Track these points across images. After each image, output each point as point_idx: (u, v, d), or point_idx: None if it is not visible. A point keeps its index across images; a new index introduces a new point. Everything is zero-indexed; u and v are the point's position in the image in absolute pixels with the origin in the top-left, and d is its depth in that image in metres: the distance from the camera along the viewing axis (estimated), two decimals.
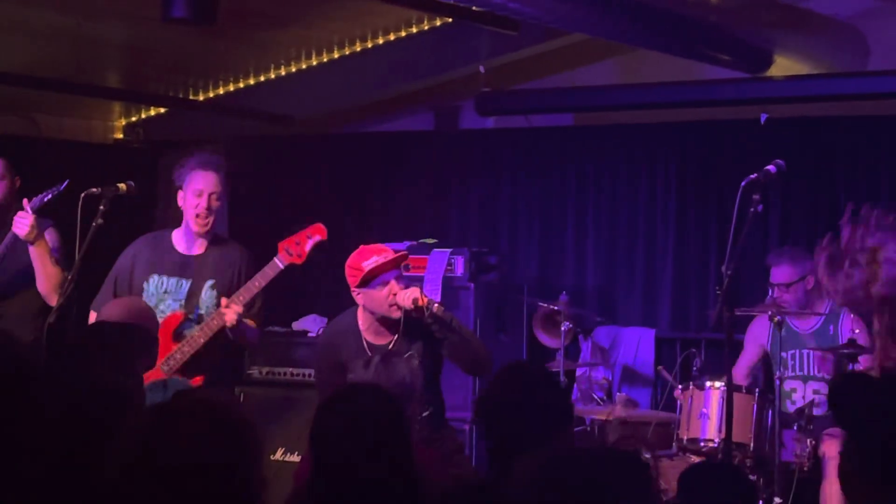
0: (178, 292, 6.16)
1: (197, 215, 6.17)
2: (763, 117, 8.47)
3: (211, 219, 6.19)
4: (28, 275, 6.56)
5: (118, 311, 5.41)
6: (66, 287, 5.88)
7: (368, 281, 5.89)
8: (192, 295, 6.16)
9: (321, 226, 6.12)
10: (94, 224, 5.89)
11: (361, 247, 6.06)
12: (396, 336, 5.94)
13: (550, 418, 3.97)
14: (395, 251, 6.10)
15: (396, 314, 5.88)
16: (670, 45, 8.10)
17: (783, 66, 8.56)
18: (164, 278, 6.21)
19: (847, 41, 8.35)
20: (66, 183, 6.10)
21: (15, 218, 6.35)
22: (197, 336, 6.04)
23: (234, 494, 2.52)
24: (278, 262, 6.06)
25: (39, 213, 6.36)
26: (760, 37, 8.41)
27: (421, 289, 5.95)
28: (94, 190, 6.01)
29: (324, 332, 6.38)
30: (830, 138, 8.65)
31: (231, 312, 5.97)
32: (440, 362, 6.07)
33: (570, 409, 4.24)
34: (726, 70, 8.48)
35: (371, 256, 5.93)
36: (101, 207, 5.94)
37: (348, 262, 6.01)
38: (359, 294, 5.97)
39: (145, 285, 6.20)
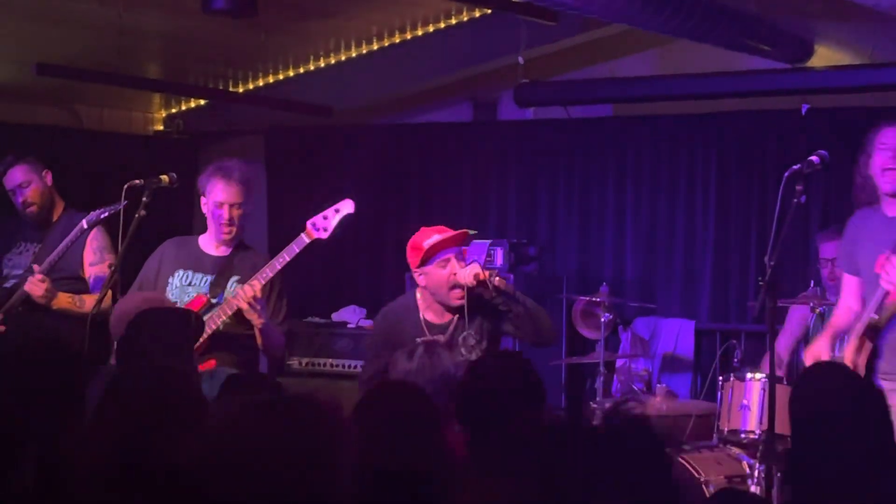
0: (203, 286, 6.16)
1: (220, 225, 6.19)
2: (804, 108, 8.43)
3: (234, 228, 6.19)
4: (78, 281, 6.69)
5: (134, 305, 5.38)
6: (109, 278, 5.93)
7: (429, 259, 5.83)
8: (216, 286, 6.14)
9: (349, 200, 6.04)
10: (136, 215, 5.93)
11: (422, 228, 6.01)
12: (456, 316, 5.87)
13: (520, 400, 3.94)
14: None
15: (457, 302, 5.80)
16: (710, 35, 8.06)
17: (824, 56, 8.51)
18: (190, 273, 6.20)
19: (888, 31, 8.29)
20: (124, 203, 6.18)
21: (29, 279, 6.53)
22: (215, 316, 6.02)
23: (322, 486, 2.50)
24: (304, 238, 5.96)
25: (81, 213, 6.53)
26: (801, 27, 8.37)
27: (480, 264, 5.92)
28: (137, 182, 6.05)
29: (383, 309, 6.31)
30: (871, 128, 8.59)
31: (248, 289, 5.92)
32: (499, 342, 6.01)
33: (538, 390, 4.20)
34: (767, 60, 8.44)
35: (432, 235, 5.88)
36: (144, 199, 5.98)
37: (409, 243, 5.95)
38: (420, 275, 5.89)
39: (170, 279, 6.18)
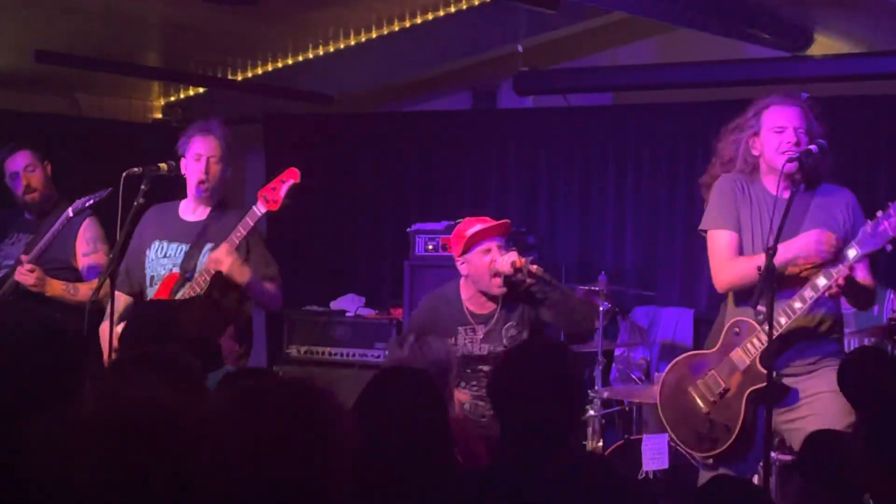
0: (177, 256, 6.12)
1: (198, 181, 6.15)
2: (803, 96, 8.41)
3: (210, 184, 6.13)
4: (70, 271, 6.69)
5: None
6: (108, 267, 5.91)
7: (470, 247, 5.94)
8: (190, 257, 6.06)
9: (295, 169, 5.89)
10: (135, 203, 5.90)
11: (467, 218, 6.16)
12: (498, 306, 5.97)
13: (563, 400, 3.88)
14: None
15: (497, 290, 5.91)
16: (710, 23, 8.06)
17: (823, 44, 8.50)
18: (165, 243, 6.17)
19: (887, 19, 8.29)
20: (108, 190, 6.25)
21: (18, 269, 6.55)
22: (189, 291, 5.95)
23: (319, 478, 2.50)
24: (256, 210, 5.85)
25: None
26: (801, 15, 8.36)
27: (519, 252, 5.98)
28: (136, 170, 6.02)
29: (427, 295, 6.37)
30: (871, 117, 8.59)
31: (212, 262, 5.85)
32: (541, 332, 6.07)
33: (583, 392, 4.15)
34: (766, 49, 8.44)
35: (475, 224, 6.01)
36: (143, 187, 5.95)
37: (453, 232, 6.11)
38: (462, 263, 6.01)
39: (148, 252, 6.17)
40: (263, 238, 6.31)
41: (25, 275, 6.53)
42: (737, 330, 5.26)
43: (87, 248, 6.75)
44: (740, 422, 5.19)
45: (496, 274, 5.90)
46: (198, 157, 6.13)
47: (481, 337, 5.98)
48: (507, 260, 5.85)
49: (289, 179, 5.88)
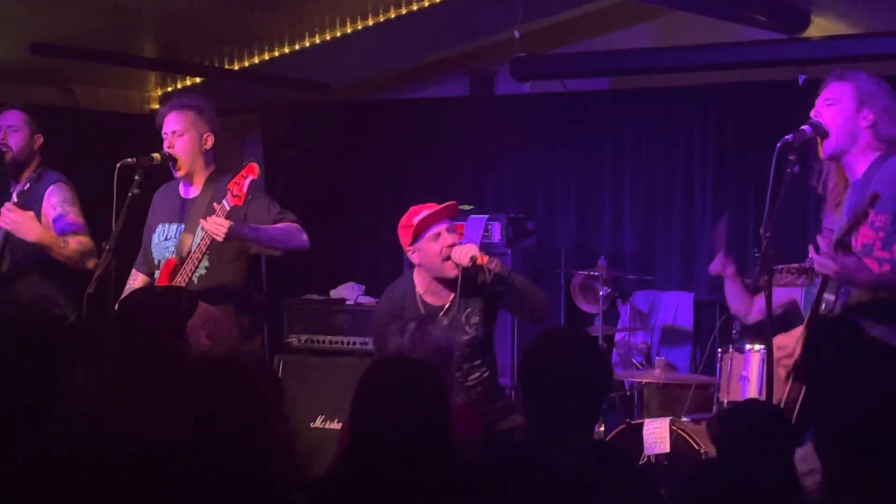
0: (176, 237, 6.10)
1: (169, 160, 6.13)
2: (801, 78, 8.40)
3: (181, 159, 6.10)
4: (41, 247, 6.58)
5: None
6: (105, 257, 5.88)
7: (420, 234, 5.82)
8: (185, 238, 6.04)
9: (254, 165, 5.83)
10: (129, 194, 5.89)
11: (411, 208, 5.99)
12: (454, 295, 5.83)
13: (590, 387, 3.92)
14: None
15: (452, 272, 5.77)
16: (707, 6, 8.04)
17: (820, 26, 8.49)
18: (166, 225, 6.15)
19: (884, 0, 8.27)
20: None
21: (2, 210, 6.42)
22: (187, 268, 5.91)
23: (245, 455, 2.50)
24: (226, 204, 5.79)
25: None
26: None
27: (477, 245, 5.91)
28: (130, 160, 6.01)
29: (381, 298, 6.27)
30: None
31: (205, 237, 5.81)
32: (494, 319, 5.99)
33: (610, 378, 4.21)
34: (763, 31, 8.42)
35: (421, 212, 5.87)
36: (137, 177, 5.94)
37: (400, 222, 5.94)
38: (413, 252, 5.89)
39: (154, 237, 6.18)
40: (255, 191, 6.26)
41: (8, 212, 6.40)
42: None
43: (55, 212, 6.55)
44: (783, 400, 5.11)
45: (448, 258, 5.80)
46: (165, 136, 6.14)
47: None
48: (466, 253, 5.72)
49: (249, 175, 5.80)
